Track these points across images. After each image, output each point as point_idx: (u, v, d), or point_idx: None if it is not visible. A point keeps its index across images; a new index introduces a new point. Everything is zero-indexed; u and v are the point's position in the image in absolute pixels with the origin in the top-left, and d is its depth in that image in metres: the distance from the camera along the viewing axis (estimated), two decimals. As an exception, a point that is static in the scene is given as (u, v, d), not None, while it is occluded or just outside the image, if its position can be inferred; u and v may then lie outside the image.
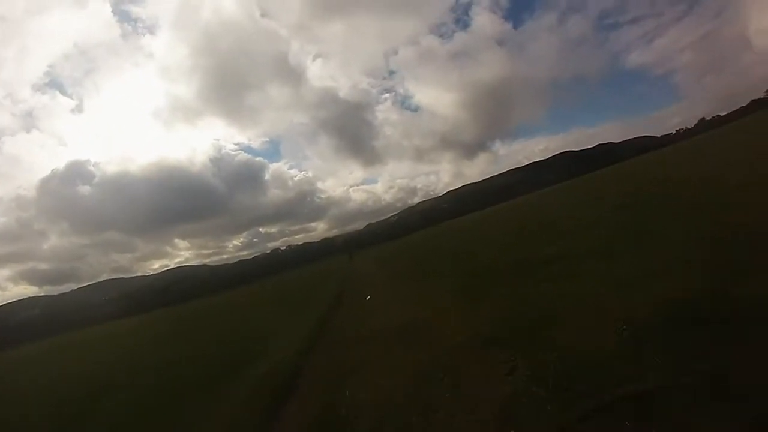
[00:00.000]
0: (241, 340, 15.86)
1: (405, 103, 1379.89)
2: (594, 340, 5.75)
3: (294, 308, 21.96)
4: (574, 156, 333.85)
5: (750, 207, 10.24)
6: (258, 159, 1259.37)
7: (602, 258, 10.08)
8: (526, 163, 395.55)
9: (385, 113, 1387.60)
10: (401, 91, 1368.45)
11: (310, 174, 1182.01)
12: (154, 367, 14.66)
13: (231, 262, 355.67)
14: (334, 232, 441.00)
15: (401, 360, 7.86)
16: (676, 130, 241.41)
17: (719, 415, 3.56)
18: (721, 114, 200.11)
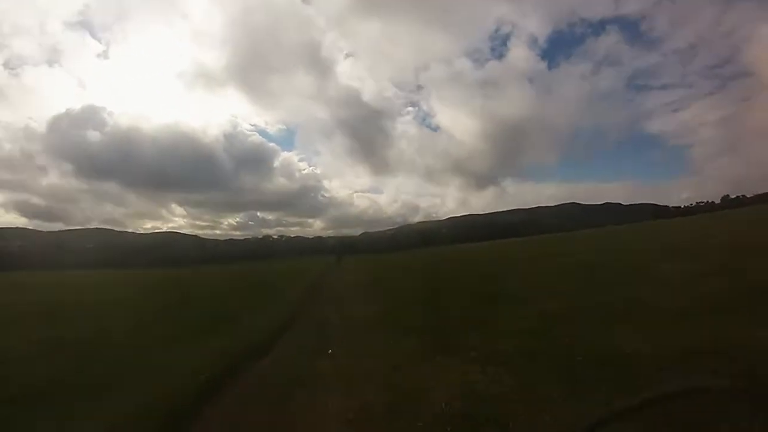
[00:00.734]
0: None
1: (426, 121, 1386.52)
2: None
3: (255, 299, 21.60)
4: (579, 208, 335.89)
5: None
6: (271, 144, 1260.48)
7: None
8: (533, 206, 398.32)
9: (404, 126, 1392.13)
10: (425, 107, 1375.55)
11: (318, 170, 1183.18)
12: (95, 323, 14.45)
13: (222, 238, 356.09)
14: (330, 232, 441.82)
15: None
16: (685, 206, 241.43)
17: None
18: (731, 196, 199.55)
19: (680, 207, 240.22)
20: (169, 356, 9.30)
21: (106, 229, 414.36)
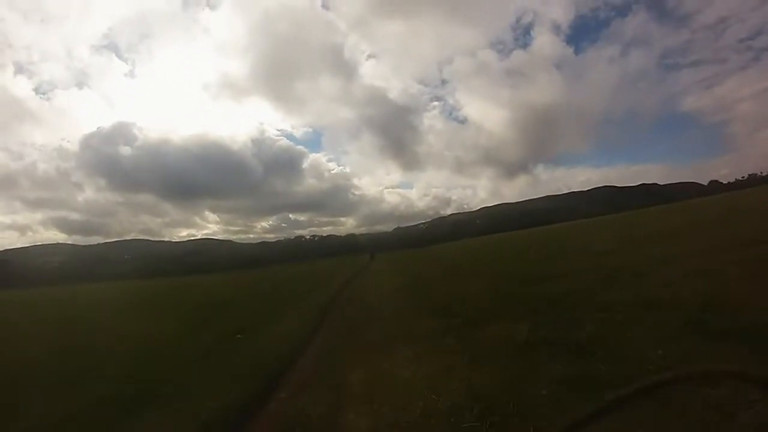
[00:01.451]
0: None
1: (453, 114, 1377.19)
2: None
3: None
4: (614, 191, 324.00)
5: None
6: (299, 147, 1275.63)
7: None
8: (565, 192, 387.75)
9: (431, 120, 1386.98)
10: (451, 101, 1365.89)
11: (347, 169, 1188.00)
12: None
13: (255, 242, 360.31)
14: (362, 229, 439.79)
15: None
16: (727, 182, 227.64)
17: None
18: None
19: (720, 183, 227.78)
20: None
21: (143, 239, 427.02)
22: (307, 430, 4.82)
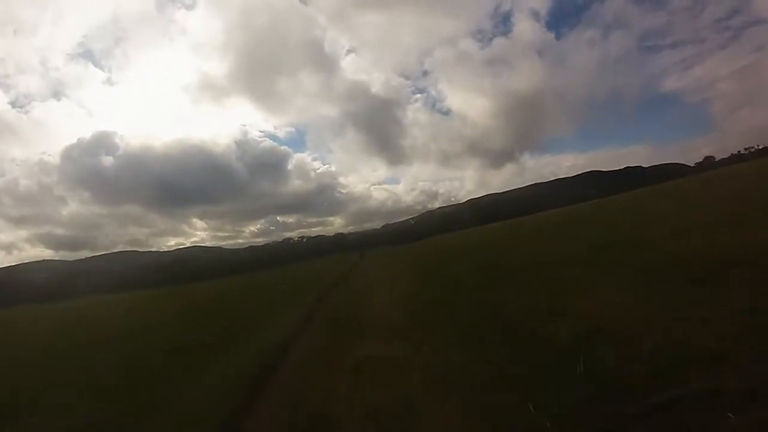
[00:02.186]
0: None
1: (436, 106, 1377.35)
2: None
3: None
4: (600, 175, 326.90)
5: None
6: (282, 147, 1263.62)
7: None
8: (552, 179, 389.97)
9: (415, 113, 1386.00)
10: (433, 92, 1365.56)
11: (333, 168, 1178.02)
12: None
13: (243, 247, 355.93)
14: (351, 228, 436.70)
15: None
16: (705, 158, 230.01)
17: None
18: (758, 147, 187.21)
19: (702, 163, 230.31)
20: None
21: (130, 251, 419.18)
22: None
